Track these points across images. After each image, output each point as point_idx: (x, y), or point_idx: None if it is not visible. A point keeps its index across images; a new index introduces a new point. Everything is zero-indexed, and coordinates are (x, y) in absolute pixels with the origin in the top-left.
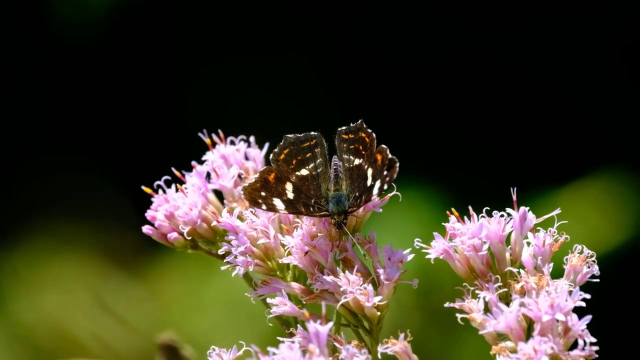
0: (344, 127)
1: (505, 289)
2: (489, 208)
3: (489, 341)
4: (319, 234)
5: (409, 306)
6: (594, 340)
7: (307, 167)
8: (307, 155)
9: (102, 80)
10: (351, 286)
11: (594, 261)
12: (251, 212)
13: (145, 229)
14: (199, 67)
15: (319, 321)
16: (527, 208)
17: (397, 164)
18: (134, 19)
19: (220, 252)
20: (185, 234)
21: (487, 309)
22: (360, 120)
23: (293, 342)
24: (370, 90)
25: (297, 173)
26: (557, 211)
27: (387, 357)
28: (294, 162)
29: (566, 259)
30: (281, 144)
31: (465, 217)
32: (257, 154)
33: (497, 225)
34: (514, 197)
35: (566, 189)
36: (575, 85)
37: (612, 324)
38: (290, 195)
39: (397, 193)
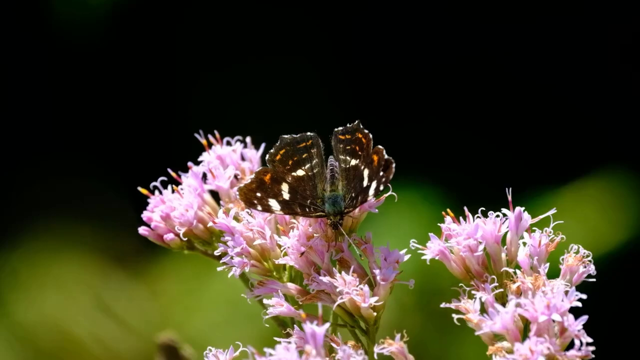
0: (340, 128)
1: (502, 290)
2: (484, 208)
3: (485, 342)
4: (315, 235)
5: (409, 306)
6: (590, 340)
7: (303, 168)
8: (303, 156)
9: (102, 81)
10: (347, 287)
11: (590, 261)
12: (247, 212)
13: (142, 230)
14: (199, 68)
15: (316, 322)
16: (523, 208)
17: (394, 165)
18: (134, 19)
19: (217, 253)
20: (181, 235)
21: (483, 310)
22: (357, 121)
23: (290, 342)
24: (371, 90)
25: (293, 173)
26: (553, 211)
27: (384, 358)
28: (290, 162)
29: (562, 259)
30: (277, 144)
31: (461, 218)
32: (254, 155)
33: (493, 225)
34: (509, 197)
35: (566, 188)
36: (575, 85)
37: (612, 324)
38: (286, 195)
39: (393, 193)
